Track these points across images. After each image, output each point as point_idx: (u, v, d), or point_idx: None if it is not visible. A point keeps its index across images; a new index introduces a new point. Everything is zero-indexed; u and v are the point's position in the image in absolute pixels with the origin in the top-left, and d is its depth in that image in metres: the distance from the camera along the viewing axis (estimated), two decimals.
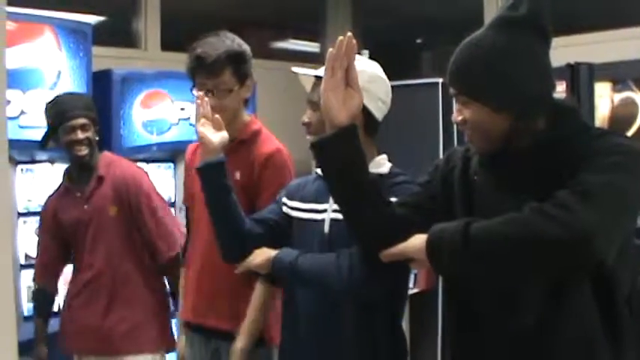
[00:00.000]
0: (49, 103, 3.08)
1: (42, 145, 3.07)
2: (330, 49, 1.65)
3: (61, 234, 3.09)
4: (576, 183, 1.45)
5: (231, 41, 2.42)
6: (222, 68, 2.36)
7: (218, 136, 2.03)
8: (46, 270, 3.14)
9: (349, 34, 1.65)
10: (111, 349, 3.00)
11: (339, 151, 1.67)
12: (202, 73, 2.37)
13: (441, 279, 3.38)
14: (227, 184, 2.03)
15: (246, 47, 2.46)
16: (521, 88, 1.56)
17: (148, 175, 3.19)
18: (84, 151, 2.98)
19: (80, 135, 2.96)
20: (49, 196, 3.19)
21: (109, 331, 2.99)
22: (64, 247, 3.11)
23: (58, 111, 3.00)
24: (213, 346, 2.49)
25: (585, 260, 1.44)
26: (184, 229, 2.85)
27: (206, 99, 2.09)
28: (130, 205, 3.02)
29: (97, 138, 3.06)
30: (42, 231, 3.17)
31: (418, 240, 1.58)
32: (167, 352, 3.12)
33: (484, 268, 1.51)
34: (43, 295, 3.15)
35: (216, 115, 2.06)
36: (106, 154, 3.15)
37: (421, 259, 1.58)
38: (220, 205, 2.04)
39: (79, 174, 3.08)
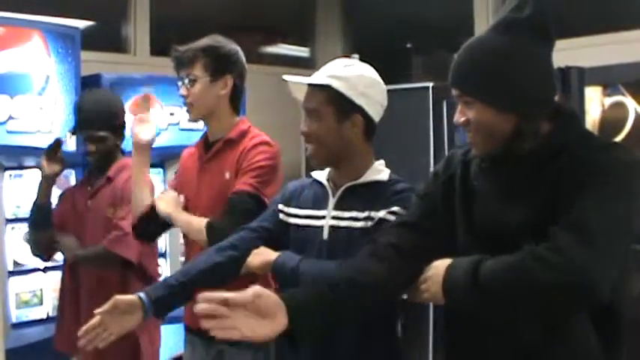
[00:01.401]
0: (76, 102, 3.18)
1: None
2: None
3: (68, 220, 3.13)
4: (572, 217, 1.45)
5: (214, 39, 2.44)
6: (194, 59, 2.39)
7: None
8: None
9: None
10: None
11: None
12: (178, 67, 2.41)
13: None
14: (173, 299, 1.99)
15: (226, 45, 2.45)
16: (525, 88, 1.56)
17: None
18: (95, 159, 3.05)
19: (92, 147, 3.03)
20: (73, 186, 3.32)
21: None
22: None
23: (78, 118, 3.08)
24: (216, 348, 2.46)
25: (585, 302, 1.47)
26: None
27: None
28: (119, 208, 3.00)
29: (119, 144, 3.09)
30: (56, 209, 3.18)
31: (436, 277, 1.60)
32: None
33: (492, 308, 1.54)
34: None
35: None
36: (124, 159, 3.11)
37: (439, 294, 1.61)
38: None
39: (95, 172, 3.13)
